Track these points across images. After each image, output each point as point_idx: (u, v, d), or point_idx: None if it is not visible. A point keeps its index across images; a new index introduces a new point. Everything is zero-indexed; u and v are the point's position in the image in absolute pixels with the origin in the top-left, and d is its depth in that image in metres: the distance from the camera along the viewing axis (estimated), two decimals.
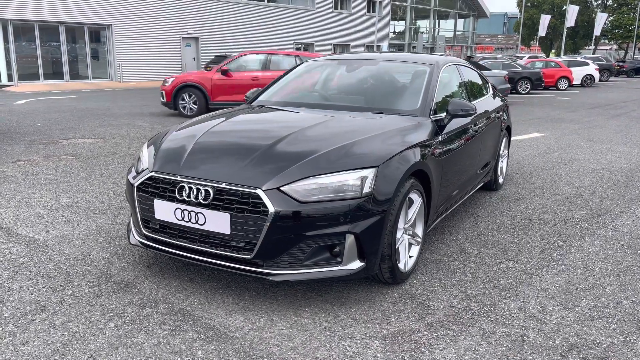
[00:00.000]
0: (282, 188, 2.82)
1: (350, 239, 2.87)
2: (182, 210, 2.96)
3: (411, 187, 3.24)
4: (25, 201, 4.99)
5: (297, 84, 4.68)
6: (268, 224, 2.76)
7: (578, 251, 4.02)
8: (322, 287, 3.25)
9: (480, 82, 5.45)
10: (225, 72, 11.84)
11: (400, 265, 3.28)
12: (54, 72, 23.31)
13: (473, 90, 5.04)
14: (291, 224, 2.78)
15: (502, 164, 5.92)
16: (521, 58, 32.54)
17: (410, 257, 3.47)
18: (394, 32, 50.63)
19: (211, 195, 2.89)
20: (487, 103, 5.22)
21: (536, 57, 38.31)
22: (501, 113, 5.57)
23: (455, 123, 4.10)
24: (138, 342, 2.61)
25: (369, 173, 2.94)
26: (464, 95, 4.74)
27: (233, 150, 3.16)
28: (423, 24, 49.15)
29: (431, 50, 41.82)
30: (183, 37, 26.67)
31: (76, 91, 20.06)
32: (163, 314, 2.89)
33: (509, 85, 16.81)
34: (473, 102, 4.82)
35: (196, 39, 27.19)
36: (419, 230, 3.54)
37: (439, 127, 3.87)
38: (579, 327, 2.87)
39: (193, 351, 2.54)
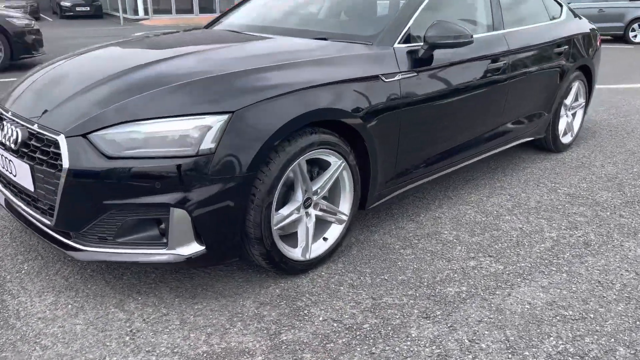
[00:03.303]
0: (89, 135, 2.05)
1: (177, 214, 2.04)
2: (1, 155, 2.36)
3: (316, 144, 2.29)
4: None
5: (260, 5, 3.71)
6: (63, 183, 2.04)
7: (609, 253, 2.72)
8: (197, 270, 2.48)
9: (534, 1, 3.98)
10: None
11: (293, 252, 2.38)
12: (186, 7, 24.06)
13: (512, 12, 3.66)
14: (92, 185, 2.03)
15: (571, 119, 4.42)
16: None
17: (324, 239, 2.54)
18: None
19: (19, 139, 2.22)
20: (538, 31, 3.79)
21: None
22: (571, 47, 4.06)
23: (445, 56, 2.92)
24: None
25: (216, 122, 2.04)
26: (487, 18, 3.42)
27: (81, 81, 2.40)
28: None
29: None
30: None
31: (198, 24, 20.46)
32: None
33: None
34: (508, 30, 3.49)
35: None
36: (344, 206, 2.57)
37: (413, 60, 2.75)
38: None
39: None
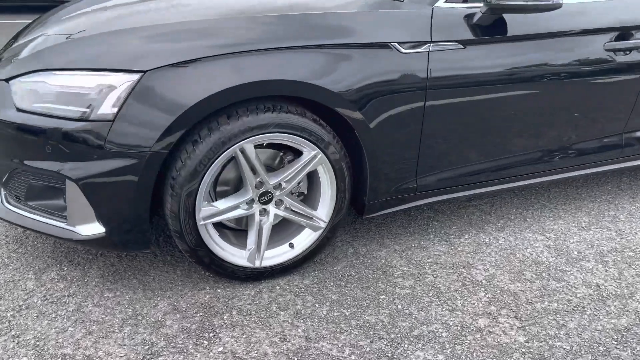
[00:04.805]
0: (11, 81, 1.82)
1: (72, 188, 1.72)
2: None
3: (272, 126, 1.77)
4: None
5: None
6: None
7: None
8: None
9: None
10: None
11: (234, 256, 1.93)
12: None
13: None
14: (2, 139, 1.81)
15: None
16: None
17: (291, 245, 2.02)
18: None
19: None
20: None
21: None
22: None
23: (526, 25, 2.06)
24: None
25: (121, 81, 1.64)
26: None
27: (50, 25, 2.19)
28: None
29: None
30: None
31: None
32: None
33: None
34: None
35: None
36: (322, 210, 2.00)
37: (466, 27, 1.99)
38: None
39: None
